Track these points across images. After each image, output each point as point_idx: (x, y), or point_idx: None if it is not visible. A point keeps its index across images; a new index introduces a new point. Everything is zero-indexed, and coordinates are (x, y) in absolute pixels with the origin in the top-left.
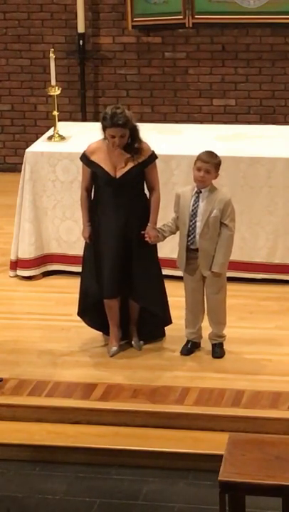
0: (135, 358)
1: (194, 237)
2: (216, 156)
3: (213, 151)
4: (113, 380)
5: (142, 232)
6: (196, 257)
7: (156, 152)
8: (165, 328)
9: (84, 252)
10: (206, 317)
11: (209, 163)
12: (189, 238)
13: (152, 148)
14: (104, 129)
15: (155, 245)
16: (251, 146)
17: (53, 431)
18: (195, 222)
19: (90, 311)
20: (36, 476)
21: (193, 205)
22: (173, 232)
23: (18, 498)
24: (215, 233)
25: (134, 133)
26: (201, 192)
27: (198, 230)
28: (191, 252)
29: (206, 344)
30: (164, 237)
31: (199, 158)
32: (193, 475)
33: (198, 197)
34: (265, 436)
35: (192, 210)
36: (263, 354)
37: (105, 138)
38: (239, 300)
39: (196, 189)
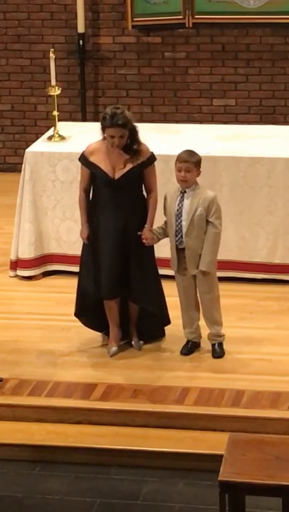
0: (135, 358)
1: (181, 236)
2: (195, 153)
3: (191, 149)
4: (113, 380)
5: (139, 233)
6: (185, 256)
7: (156, 152)
8: (165, 328)
9: (82, 253)
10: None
11: (188, 162)
12: (177, 238)
13: (152, 149)
14: (103, 129)
15: (152, 246)
16: (251, 146)
17: (53, 431)
18: (181, 221)
19: (88, 312)
20: (36, 476)
21: (178, 205)
22: (167, 235)
23: (18, 498)
24: (201, 232)
25: (134, 134)
26: (185, 192)
27: (184, 230)
28: (180, 252)
29: (206, 344)
30: (159, 239)
31: (178, 158)
32: (193, 475)
33: (182, 197)
34: (265, 436)
35: (177, 210)
36: (263, 354)
37: (104, 138)
38: (239, 300)
39: (180, 189)
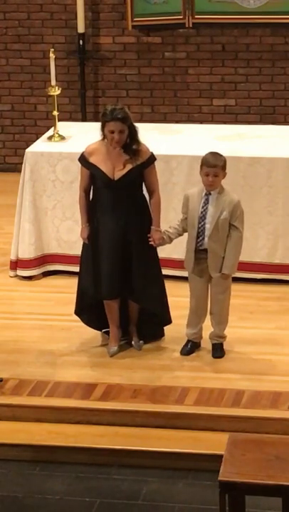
0: (135, 358)
1: (203, 238)
2: (220, 156)
3: (216, 151)
4: (113, 380)
5: (148, 235)
6: (205, 257)
7: (156, 152)
8: (165, 328)
9: (82, 252)
10: (207, 317)
11: (216, 166)
12: (198, 240)
13: (152, 149)
14: (103, 125)
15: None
16: (251, 146)
17: (53, 431)
18: (204, 224)
19: (87, 311)
20: (36, 476)
21: (202, 207)
22: (180, 234)
23: (18, 498)
24: (224, 235)
25: (133, 133)
26: (210, 194)
27: (207, 232)
28: (199, 253)
29: (206, 344)
30: (171, 240)
31: (205, 163)
32: (193, 475)
33: (207, 199)
34: (265, 436)
35: (201, 213)
36: (263, 354)
37: (104, 138)
38: (239, 300)
39: (205, 191)
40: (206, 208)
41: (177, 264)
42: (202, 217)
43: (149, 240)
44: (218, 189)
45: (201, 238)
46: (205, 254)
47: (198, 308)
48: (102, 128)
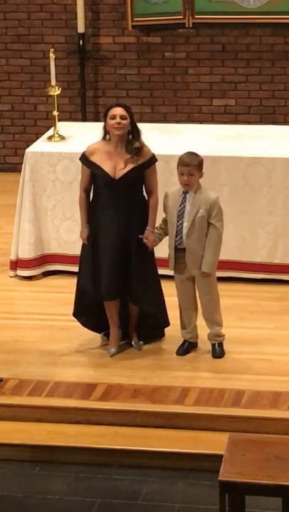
0: (135, 358)
1: (181, 237)
2: (197, 156)
3: (193, 151)
4: (113, 380)
5: (141, 236)
6: (184, 256)
7: (156, 152)
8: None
9: (81, 253)
10: (201, 317)
11: (190, 165)
12: (177, 238)
13: (152, 149)
14: (106, 114)
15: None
16: (251, 146)
17: (53, 431)
18: (182, 222)
19: (86, 312)
20: (36, 476)
21: (180, 205)
22: (167, 233)
23: (18, 498)
24: (202, 233)
25: (135, 130)
26: (187, 193)
27: (184, 231)
28: (179, 252)
29: (205, 344)
30: (160, 240)
31: (180, 162)
32: (193, 475)
33: (184, 198)
34: (265, 436)
35: (179, 211)
36: (263, 354)
37: (104, 138)
38: (239, 300)
39: (182, 190)
40: (184, 206)
41: None
42: (180, 216)
43: (144, 240)
44: (195, 187)
45: (179, 237)
46: (184, 253)
47: (185, 307)
48: (105, 119)
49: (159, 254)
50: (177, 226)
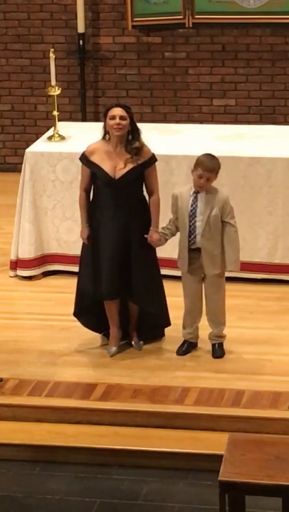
0: (135, 358)
1: (195, 237)
2: (217, 160)
3: (212, 154)
4: (113, 380)
5: (146, 236)
6: (198, 256)
7: (156, 152)
8: (165, 328)
9: (81, 252)
10: (204, 317)
11: (213, 171)
12: (190, 238)
13: (152, 149)
14: (105, 114)
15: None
16: (251, 146)
17: (53, 431)
18: (195, 222)
19: (86, 312)
20: (36, 476)
21: (191, 205)
22: (174, 234)
23: (18, 498)
24: (216, 232)
25: (135, 130)
26: (198, 192)
27: (198, 230)
28: (192, 252)
29: (205, 344)
30: (166, 240)
31: (201, 165)
32: (193, 475)
33: (196, 197)
34: (265, 436)
35: (191, 211)
36: (263, 354)
37: (104, 138)
38: (239, 300)
39: (193, 189)
40: (196, 205)
41: (177, 263)
42: (192, 216)
43: (148, 240)
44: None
45: (192, 237)
46: (198, 253)
47: (193, 308)
48: (104, 119)
49: (161, 255)
50: (190, 226)
